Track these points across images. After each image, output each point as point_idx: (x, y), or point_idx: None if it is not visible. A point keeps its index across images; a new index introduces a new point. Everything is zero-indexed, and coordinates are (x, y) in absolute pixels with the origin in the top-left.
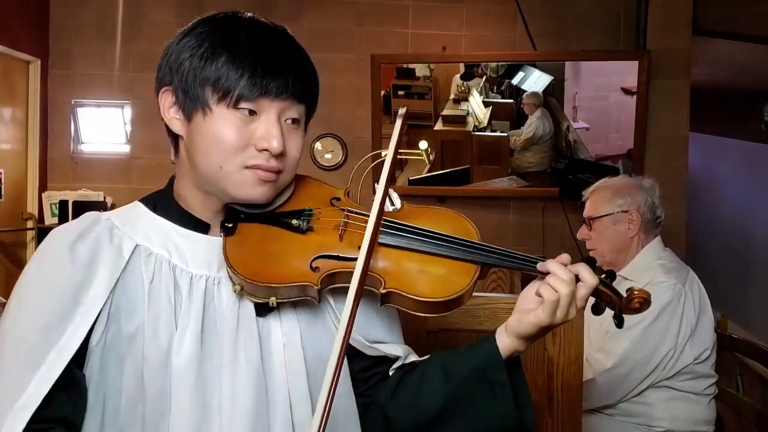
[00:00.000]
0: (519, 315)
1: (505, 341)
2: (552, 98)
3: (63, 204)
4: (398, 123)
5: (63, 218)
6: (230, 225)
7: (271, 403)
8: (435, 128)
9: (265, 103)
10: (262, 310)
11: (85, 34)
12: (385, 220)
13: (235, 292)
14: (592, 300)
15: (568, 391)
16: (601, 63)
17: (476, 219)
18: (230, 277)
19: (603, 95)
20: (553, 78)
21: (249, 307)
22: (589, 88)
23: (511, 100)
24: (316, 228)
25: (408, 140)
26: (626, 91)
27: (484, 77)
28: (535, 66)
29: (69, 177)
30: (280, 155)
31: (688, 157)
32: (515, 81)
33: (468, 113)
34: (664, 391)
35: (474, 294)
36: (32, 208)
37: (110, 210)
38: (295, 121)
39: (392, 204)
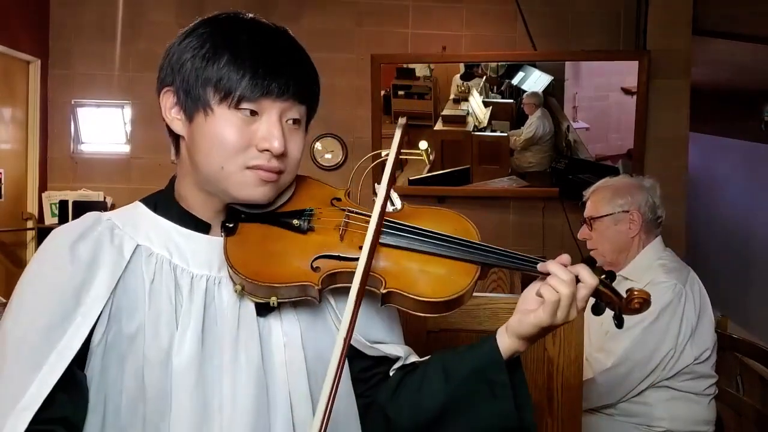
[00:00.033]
0: (520, 315)
1: (506, 341)
2: (552, 98)
3: (63, 204)
4: (398, 133)
5: (63, 218)
6: (231, 225)
7: (272, 403)
8: (435, 128)
9: (266, 103)
10: (263, 309)
11: (85, 34)
12: (386, 221)
13: (235, 291)
14: (592, 300)
15: (568, 391)
16: (601, 63)
17: (476, 219)
18: (231, 277)
19: (603, 95)
20: (553, 78)
21: (250, 306)
22: (589, 88)
23: (511, 100)
24: (317, 228)
25: (408, 140)
26: (626, 91)
27: (484, 77)
28: (535, 66)
29: (69, 177)
30: (282, 156)
31: (688, 157)
32: (515, 81)
33: (468, 113)
34: (664, 391)
35: (474, 294)
36: (32, 208)
37: (110, 210)
38: (296, 121)
39: (392, 204)
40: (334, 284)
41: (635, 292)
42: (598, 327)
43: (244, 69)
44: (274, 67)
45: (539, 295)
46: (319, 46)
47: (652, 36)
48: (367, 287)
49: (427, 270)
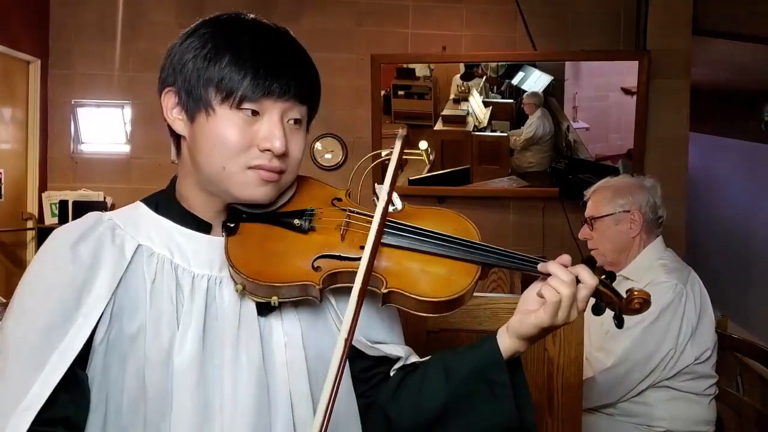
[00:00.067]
0: (520, 316)
1: (506, 342)
2: (552, 98)
3: (63, 204)
4: (398, 144)
5: (63, 218)
6: (232, 225)
7: (273, 402)
8: (435, 128)
9: (267, 103)
10: (264, 309)
11: (85, 34)
12: (387, 221)
13: (236, 291)
14: (592, 301)
15: (568, 391)
16: (601, 63)
17: (476, 219)
18: (232, 277)
19: (603, 95)
20: (553, 78)
21: (250, 306)
22: (589, 88)
23: (511, 100)
24: (318, 228)
25: (408, 140)
26: (626, 91)
27: (484, 77)
28: (535, 66)
29: (69, 177)
30: (283, 155)
31: (688, 157)
32: (515, 81)
33: (468, 113)
34: (664, 391)
35: (474, 294)
36: (32, 208)
37: (111, 210)
38: (297, 121)
39: (393, 205)
40: (335, 284)
41: (635, 293)
42: (598, 327)
43: (246, 69)
44: (276, 67)
45: (540, 295)
46: (319, 46)
47: (652, 36)
48: (368, 287)
49: (428, 270)
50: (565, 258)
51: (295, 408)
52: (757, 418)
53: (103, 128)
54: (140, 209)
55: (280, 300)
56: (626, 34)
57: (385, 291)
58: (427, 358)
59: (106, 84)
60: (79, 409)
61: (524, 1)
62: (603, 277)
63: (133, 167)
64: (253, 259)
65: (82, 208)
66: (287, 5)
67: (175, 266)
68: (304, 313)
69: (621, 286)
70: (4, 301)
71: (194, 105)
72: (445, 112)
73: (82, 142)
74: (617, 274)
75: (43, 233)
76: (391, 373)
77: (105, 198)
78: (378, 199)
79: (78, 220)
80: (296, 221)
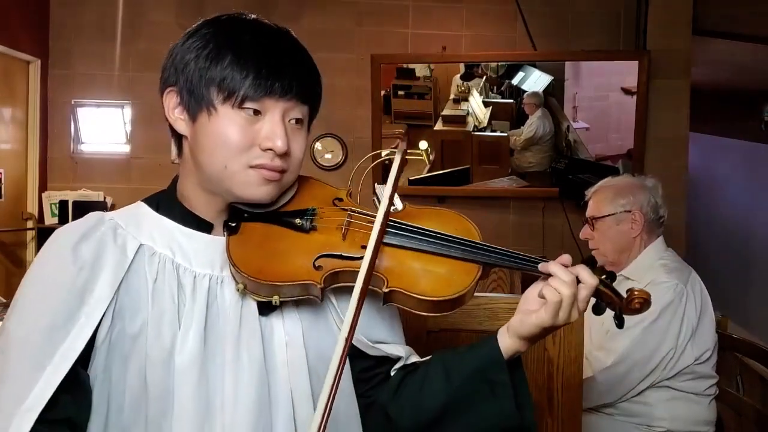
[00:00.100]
0: (521, 316)
1: (507, 342)
2: (552, 98)
3: (63, 204)
4: (397, 158)
5: (63, 218)
6: (233, 224)
7: (274, 401)
8: (435, 128)
9: (269, 103)
10: (265, 309)
11: (85, 34)
12: (389, 220)
13: (238, 290)
14: (592, 300)
15: (568, 391)
16: (601, 63)
17: (476, 219)
18: (233, 276)
19: (603, 95)
20: (553, 78)
21: (252, 306)
22: (589, 88)
23: (511, 100)
24: (320, 227)
25: (408, 140)
26: (626, 91)
27: (484, 77)
28: (535, 66)
29: (69, 177)
30: (285, 155)
31: (688, 157)
32: (515, 81)
33: (468, 113)
34: (664, 391)
35: (474, 294)
36: (32, 208)
37: (111, 210)
38: (298, 121)
39: (392, 205)
40: (336, 283)
41: (635, 292)
42: (599, 326)
43: (248, 69)
44: (277, 67)
45: (541, 296)
46: (319, 46)
47: (652, 36)
48: (369, 286)
49: (429, 269)
50: (566, 258)
51: (296, 407)
52: (757, 418)
53: (103, 128)
54: (142, 209)
55: (281, 299)
56: (626, 34)
57: (387, 290)
58: (428, 357)
59: (106, 84)
60: (81, 410)
61: (524, 1)
62: (603, 277)
63: (133, 167)
64: (254, 259)
65: (82, 208)
66: (287, 5)
67: (176, 266)
68: (305, 313)
69: (621, 286)
70: (4, 301)
71: (196, 104)
72: (445, 112)
73: (82, 142)
74: (618, 274)
75: (43, 233)
76: (392, 373)
77: (105, 198)
78: (378, 199)
79: (80, 220)
80: (298, 221)
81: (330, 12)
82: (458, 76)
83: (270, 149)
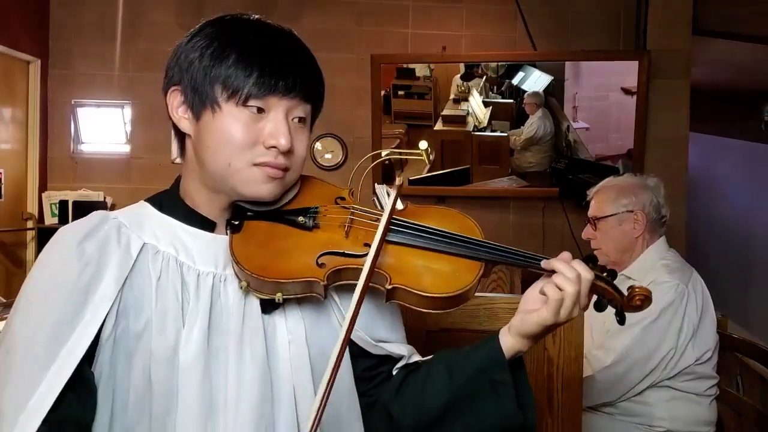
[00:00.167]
0: (522, 315)
1: (509, 341)
2: (552, 98)
3: (63, 204)
4: (393, 193)
5: (63, 218)
6: (237, 222)
7: (276, 398)
8: (435, 128)
9: (273, 101)
10: (268, 307)
11: (85, 34)
12: (392, 218)
13: (241, 288)
14: (594, 298)
15: (568, 391)
16: (601, 63)
17: (476, 219)
18: (236, 274)
19: (603, 95)
20: (553, 78)
21: (254, 304)
22: (589, 88)
23: (511, 100)
24: (323, 225)
25: (408, 140)
26: (626, 91)
27: (484, 77)
28: (535, 66)
29: (69, 177)
30: (288, 153)
31: (688, 157)
32: (515, 81)
33: (468, 113)
34: (665, 391)
35: (476, 292)
36: (32, 208)
37: (111, 210)
38: (301, 120)
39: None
40: (339, 281)
41: (636, 289)
42: (600, 325)
43: (252, 67)
44: (281, 66)
45: (542, 293)
46: (319, 46)
47: (652, 36)
48: (372, 284)
49: (432, 267)
50: (566, 255)
51: (298, 404)
52: (757, 418)
53: (103, 128)
54: (145, 209)
55: (284, 297)
56: (626, 34)
57: (390, 287)
58: (430, 357)
59: (106, 84)
60: (86, 409)
61: (524, 1)
62: (605, 274)
63: (133, 167)
64: (257, 256)
65: (82, 208)
66: (287, 5)
67: (180, 264)
68: (307, 311)
69: (623, 286)
70: (4, 301)
71: (200, 103)
72: (445, 112)
73: (82, 142)
74: (619, 274)
75: (43, 233)
76: (394, 372)
77: (105, 198)
78: (378, 199)
79: (83, 218)
80: (301, 219)
81: (330, 12)
82: (458, 76)
83: (273, 147)
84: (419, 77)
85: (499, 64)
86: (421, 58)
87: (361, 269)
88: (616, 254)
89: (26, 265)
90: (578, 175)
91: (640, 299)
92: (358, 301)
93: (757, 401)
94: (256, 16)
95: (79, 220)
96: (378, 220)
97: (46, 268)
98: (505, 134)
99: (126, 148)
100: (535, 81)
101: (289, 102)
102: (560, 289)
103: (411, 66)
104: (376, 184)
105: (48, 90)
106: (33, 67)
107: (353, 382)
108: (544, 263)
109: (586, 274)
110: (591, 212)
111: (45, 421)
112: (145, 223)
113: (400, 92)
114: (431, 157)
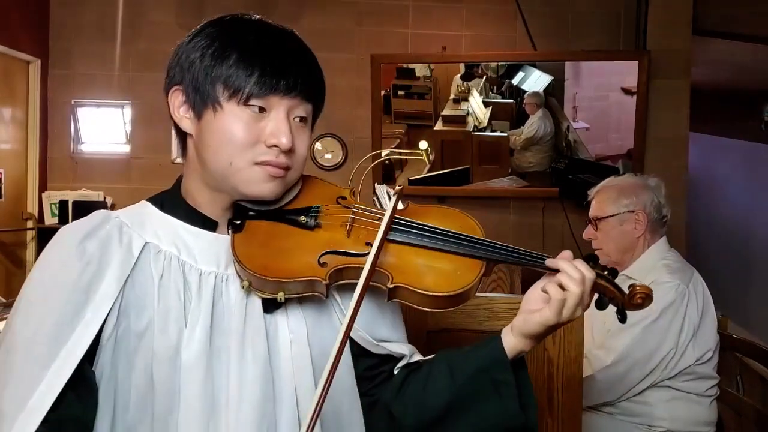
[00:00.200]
0: (525, 315)
1: (511, 341)
2: (552, 98)
3: (63, 204)
4: (393, 199)
5: (63, 218)
6: (238, 222)
7: (278, 397)
8: (435, 128)
9: (274, 100)
10: (270, 306)
11: (85, 34)
12: (394, 218)
13: (242, 287)
14: (595, 296)
15: (568, 391)
16: (601, 63)
17: (476, 219)
18: (238, 273)
19: (603, 95)
20: (553, 78)
21: (256, 303)
22: (589, 88)
23: (511, 100)
24: (324, 225)
25: (408, 140)
26: (626, 91)
27: (484, 77)
28: (535, 66)
29: (69, 177)
30: (289, 152)
31: (688, 157)
32: (515, 81)
33: (468, 113)
34: (665, 391)
35: (477, 291)
36: (32, 208)
37: (111, 210)
38: (303, 119)
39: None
40: (341, 280)
41: (637, 287)
42: (600, 325)
43: (253, 67)
44: (282, 65)
45: (544, 291)
46: (319, 46)
47: (652, 36)
48: (374, 282)
49: (434, 266)
50: (567, 253)
51: (300, 403)
52: (757, 418)
53: (103, 128)
54: (147, 208)
55: (286, 296)
56: (626, 34)
57: (391, 286)
58: (431, 356)
59: (106, 84)
60: (87, 408)
61: (524, 1)
62: (606, 273)
63: (133, 167)
64: (259, 256)
65: (82, 208)
66: (287, 5)
67: (182, 263)
68: (309, 311)
69: (623, 285)
70: (4, 301)
71: (202, 102)
72: (445, 112)
73: (82, 142)
74: (620, 274)
75: (43, 233)
76: (395, 371)
77: (105, 198)
78: (378, 199)
79: (85, 218)
80: (302, 218)
81: (330, 12)
82: (458, 76)
83: (275, 146)
84: (419, 77)
85: (499, 64)
86: (421, 58)
87: (363, 268)
88: (617, 254)
89: (26, 265)
90: (578, 175)
91: (641, 297)
92: (358, 298)
93: (757, 401)
94: (257, 16)
95: (80, 219)
96: (379, 219)
97: (46, 269)
98: (505, 134)
99: (126, 148)
100: (535, 81)
101: (290, 101)
102: (564, 289)
103: (411, 66)
104: (376, 184)
105: (48, 90)
106: (33, 67)
107: (354, 381)
108: (548, 262)
109: (589, 273)
110: (592, 212)
111: (45, 421)
112: (146, 223)
113: (400, 92)
114: (431, 157)
